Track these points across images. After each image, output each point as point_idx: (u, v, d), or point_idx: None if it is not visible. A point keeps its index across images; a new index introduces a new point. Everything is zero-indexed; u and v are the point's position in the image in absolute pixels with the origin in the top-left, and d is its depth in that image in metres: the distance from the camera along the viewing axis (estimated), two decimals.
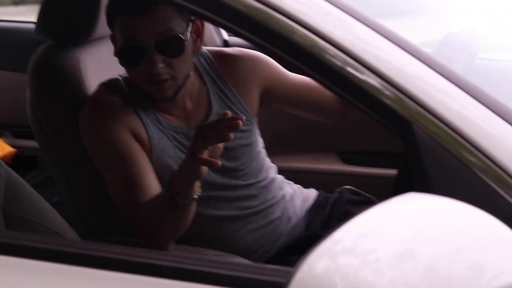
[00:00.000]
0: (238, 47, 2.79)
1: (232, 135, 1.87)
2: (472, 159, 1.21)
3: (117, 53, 2.17)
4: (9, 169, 1.83)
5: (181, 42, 2.11)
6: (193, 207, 2.04)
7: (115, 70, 2.43)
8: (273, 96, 2.39)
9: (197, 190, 2.01)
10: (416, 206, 1.05)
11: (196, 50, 2.21)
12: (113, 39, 2.20)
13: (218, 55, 2.35)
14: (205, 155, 1.89)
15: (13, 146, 3.38)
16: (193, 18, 2.16)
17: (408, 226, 1.00)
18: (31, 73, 2.34)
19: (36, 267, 1.37)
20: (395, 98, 1.25)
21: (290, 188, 2.47)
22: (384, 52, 1.30)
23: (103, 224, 2.36)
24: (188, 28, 2.14)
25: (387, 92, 1.26)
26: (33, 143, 3.43)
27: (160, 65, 2.10)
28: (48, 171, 3.12)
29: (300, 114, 2.49)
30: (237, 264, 1.70)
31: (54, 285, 1.36)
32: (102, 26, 2.38)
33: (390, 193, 2.17)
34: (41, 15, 2.38)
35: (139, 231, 2.11)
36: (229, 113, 1.87)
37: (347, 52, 1.29)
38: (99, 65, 2.42)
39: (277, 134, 2.99)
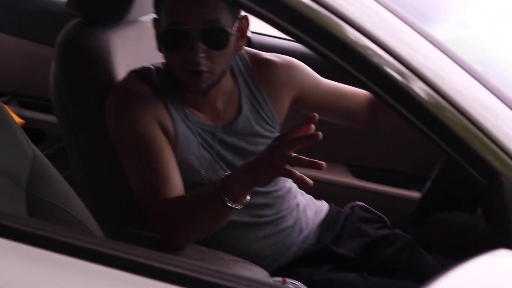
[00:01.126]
0: (262, 45, 2.75)
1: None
2: None
3: (159, 35, 2.10)
4: (37, 150, 1.77)
5: (226, 35, 2.06)
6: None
7: (142, 57, 2.39)
8: (304, 102, 2.36)
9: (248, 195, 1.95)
10: (503, 264, 1.02)
11: (237, 50, 2.16)
12: (155, 23, 2.14)
13: (255, 59, 2.31)
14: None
15: (18, 116, 3.32)
16: (239, 16, 2.11)
17: (494, 285, 0.96)
18: (59, 48, 2.29)
19: (58, 261, 1.33)
20: (486, 146, 1.21)
21: (303, 198, 2.45)
22: (470, 90, 1.26)
23: (115, 213, 2.31)
24: (234, 24, 2.09)
25: (479, 139, 1.22)
26: (40, 116, 3.41)
27: (201, 54, 2.04)
28: (55, 146, 3.07)
29: (328, 120, 2.46)
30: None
31: (75, 282, 1.32)
32: (136, 10, 2.34)
33: (411, 215, 2.17)
34: None
35: (158, 225, 2.05)
36: (316, 116, 1.81)
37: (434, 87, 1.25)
38: (127, 49, 2.37)
39: None
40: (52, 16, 3.32)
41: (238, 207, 1.92)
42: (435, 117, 1.24)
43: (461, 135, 1.23)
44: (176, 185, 2.07)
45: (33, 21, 3.44)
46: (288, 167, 1.81)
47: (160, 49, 2.14)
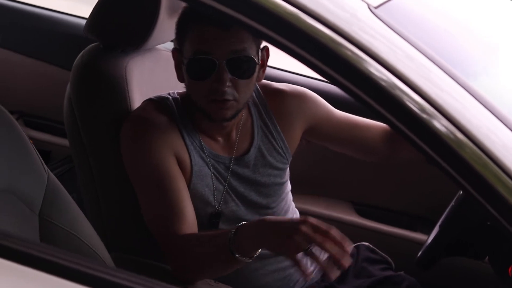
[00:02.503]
0: (273, 79, 2.74)
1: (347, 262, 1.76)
2: None
3: (184, 65, 2.09)
4: (52, 174, 1.77)
5: (252, 64, 2.06)
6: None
7: (157, 84, 2.39)
8: (318, 133, 2.36)
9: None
10: None
11: (258, 80, 2.15)
12: (175, 52, 2.14)
13: (267, 89, 2.31)
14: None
15: None
16: (261, 47, 2.12)
17: None
18: (76, 71, 2.27)
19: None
20: None
21: None
22: None
23: (125, 240, 2.29)
24: (258, 54, 2.10)
25: None
26: (46, 136, 3.39)
27: (228, 84, 2.04)
28: (61, 168, 3.06)
29: (343, 152, 2.45)
30: None
31: None
32: (155, 38, 2.33)
33: (418, 257, 2.17)
34: (95, 16, 2.32)
35: (169, 258, 2.04)
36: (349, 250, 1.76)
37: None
38: (143, 76, 2.36)
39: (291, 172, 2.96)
40: (67, 39, 3.32)
41: (248, 260, 1.90)
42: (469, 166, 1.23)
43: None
44: (189, 218, 2.05)
45: (46, 42, 3.43)
46: (299, 255, 1.78)
47: (181, 78, 2.13)
